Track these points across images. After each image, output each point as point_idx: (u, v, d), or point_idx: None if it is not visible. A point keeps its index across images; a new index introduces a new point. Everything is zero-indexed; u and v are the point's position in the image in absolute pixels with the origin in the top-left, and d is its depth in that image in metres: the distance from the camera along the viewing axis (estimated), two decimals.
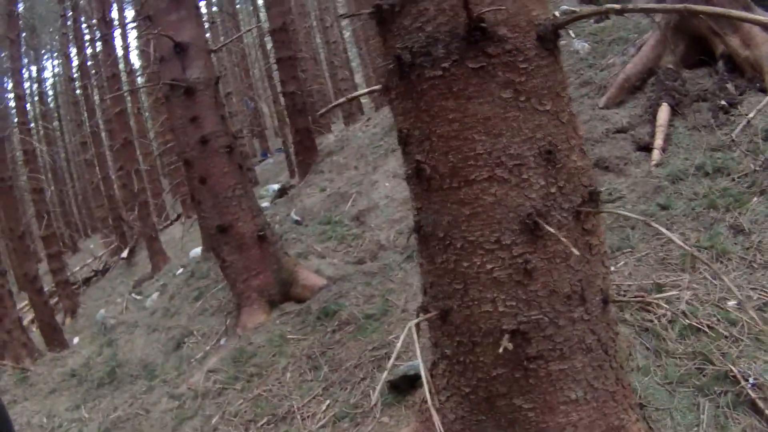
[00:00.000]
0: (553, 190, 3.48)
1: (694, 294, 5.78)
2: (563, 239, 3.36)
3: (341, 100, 4.80)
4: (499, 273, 3.52)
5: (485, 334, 3.64)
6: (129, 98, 28.56)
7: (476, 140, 3.41)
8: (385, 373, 4.03)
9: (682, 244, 3.47)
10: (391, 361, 3.62)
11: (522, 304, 3.53)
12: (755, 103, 8.29)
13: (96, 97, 30.83)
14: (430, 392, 3.57)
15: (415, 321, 3.75)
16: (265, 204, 16.69)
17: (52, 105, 51.15)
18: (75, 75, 33.65)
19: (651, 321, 5.54)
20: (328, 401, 6.38)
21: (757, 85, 8.65)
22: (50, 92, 52.81)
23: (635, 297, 5.80)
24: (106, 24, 21.88)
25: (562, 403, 3.72)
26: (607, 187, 8.29)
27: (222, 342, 9.30)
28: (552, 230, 3.36)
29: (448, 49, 3.35)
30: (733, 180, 7.26)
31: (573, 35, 12.87)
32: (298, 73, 18.04)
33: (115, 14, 31.76)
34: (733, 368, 4.76)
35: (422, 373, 3.63)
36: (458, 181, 3.51)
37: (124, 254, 24.21)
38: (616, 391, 3.89)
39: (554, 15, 3.76)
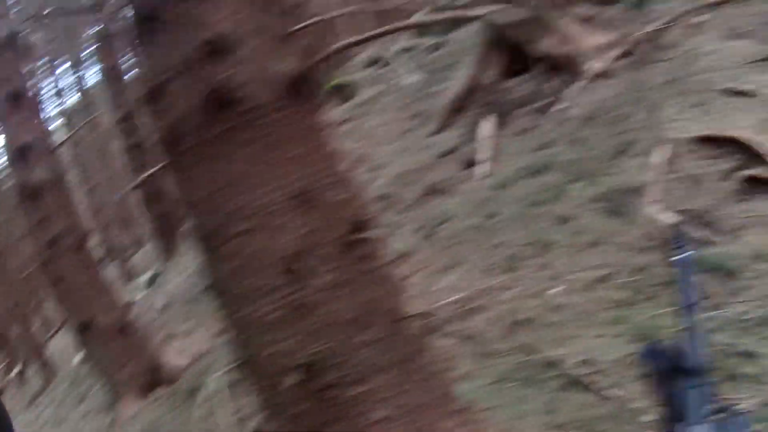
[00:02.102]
0: (312, 228, 3.64)
1: (515, 291, 6.02)
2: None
3: (137, 181, 4.93)
4: (274, 315, 3.65)
5: (279, 374, 3.75)
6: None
7: (230, 198, 3.60)
8: None
9: None
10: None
11: (304, 339, 3.65)
12: (578, 96, 8.58)
13: None
14: None
15: (217, 374, 3.87)
16: (140, 294, 16.69)
17: None
18: None
19: (472, 326, 5.73)
20: None
21: (575, 79, 8.86)
22: None
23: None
24: None
25: (371, 424, 3.81)
26: (439, 210, 8.56)
27: None
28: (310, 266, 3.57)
29: (196, 119, 3.55)
30: (557, 172, 7.52)
31: (407, 69, 13.17)
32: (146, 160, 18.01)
33: None
34: (556, 353, 4.99)
35: None
36: (222, 239, 3.68)
37: (15, 372, 23.67)
38: (428, 402, 3.99)
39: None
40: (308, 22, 6.41)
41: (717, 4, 8.43)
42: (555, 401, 4.66)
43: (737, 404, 3.25)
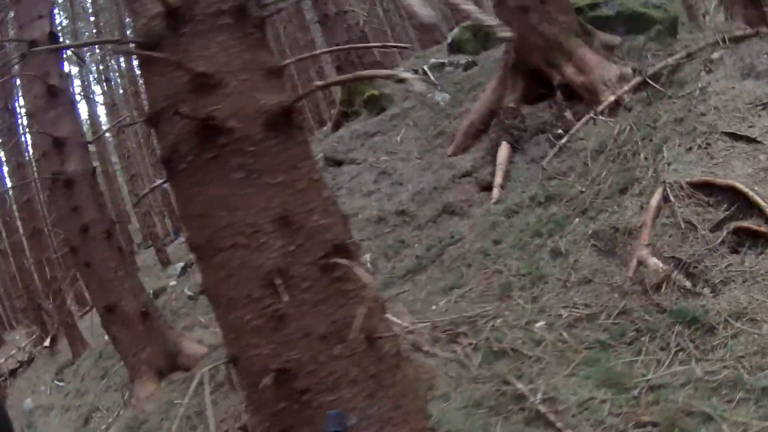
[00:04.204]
0: (291, 248, 4.08)
1: (503, 320, 6.37)
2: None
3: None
4: (256, 322, 4.12)
5: (260, 374, 4.18)
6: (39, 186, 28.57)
7: (219, 216, 4.06)
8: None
9: None
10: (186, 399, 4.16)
11: (281, 346, 4.11)
12: (592, 127, 8.84)
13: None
14: None
15: (206, 368, 4.31)
16: (172, 282, 17.12)
17: None
18: None
19: (455, 351, 6.11)
20: None
21: (595, 108, 9.06)
22: None
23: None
24: (9, 113, 22.09)
25: None
26: (451, 230, 9.00)
27: (121, 413, 9.75)
28: (281, 286, 4.01)
29: (189, 145, 4.01)
30: (562, 204, 7.87)
31: (438, 87, 13.45)
32: None
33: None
34: (527, 387, 5.31)
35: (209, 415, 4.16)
36: (211, 251, 4.15)
37: (46, 343, 24.09)
38: (394, 417, 4.41)
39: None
40: (293, 59, 6.77)
41: (739, 39, 8.55)
42: None
43: None
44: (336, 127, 16.20)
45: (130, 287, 10.03)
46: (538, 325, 6.17)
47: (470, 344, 6.15)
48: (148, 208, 33.64)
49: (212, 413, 4.40)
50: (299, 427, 4.29)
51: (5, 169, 30.61)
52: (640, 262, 6.20)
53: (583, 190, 7.78)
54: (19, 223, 28.92)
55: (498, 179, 9.31)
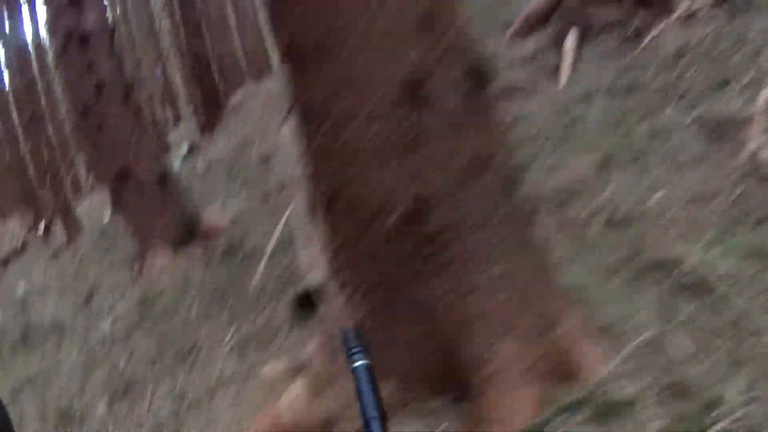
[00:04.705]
0: (434, 55, 3.31)
1: (613, 191, 5.73)
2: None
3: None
4: (381, 145, 3.30)
5: (376, 213, 3.35)
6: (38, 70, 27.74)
7: (341, 14, 3.31)
8: None
9: None
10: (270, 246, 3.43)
11: (412, 176, 3.32)
12: (670, 32, 8.00)
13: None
14: None
15: (257, 236, 3.53)
16: (176, 164, 16.59)
17: None
18: None
19: (571, 215, 5.56)
20: (233, 329, 6.23)
21: (665, 15, 8.29)
22: None
23: None
24: None
25: (477, 286, 3.40)
26: (517, 112, 8.11)
27: (129, 289, 9.12)
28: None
29: None
30: (646, 93, 7.11)
31: None
32: (202, 32, 17.64)
33: None
34: (667, 255, 4.62)
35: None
36: (323, 54, 3.37)
37: (41, 229, 23.64)
38: (536, 276, 3.65)
39: None
40: None
41: None
42: (668, 304, 4.26)
43: None
44: None
45: (147, 151, 9.28)
46: (654, 197, 5.47)
47: (584, 209, 5.55)
48: (150, 93, 32.74)
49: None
50: (421, 282, 3.45)
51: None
52: (754, 152, 5.53)
53: (672, 83, 7.03)
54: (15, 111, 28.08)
55: (566, 64, 8.51)
